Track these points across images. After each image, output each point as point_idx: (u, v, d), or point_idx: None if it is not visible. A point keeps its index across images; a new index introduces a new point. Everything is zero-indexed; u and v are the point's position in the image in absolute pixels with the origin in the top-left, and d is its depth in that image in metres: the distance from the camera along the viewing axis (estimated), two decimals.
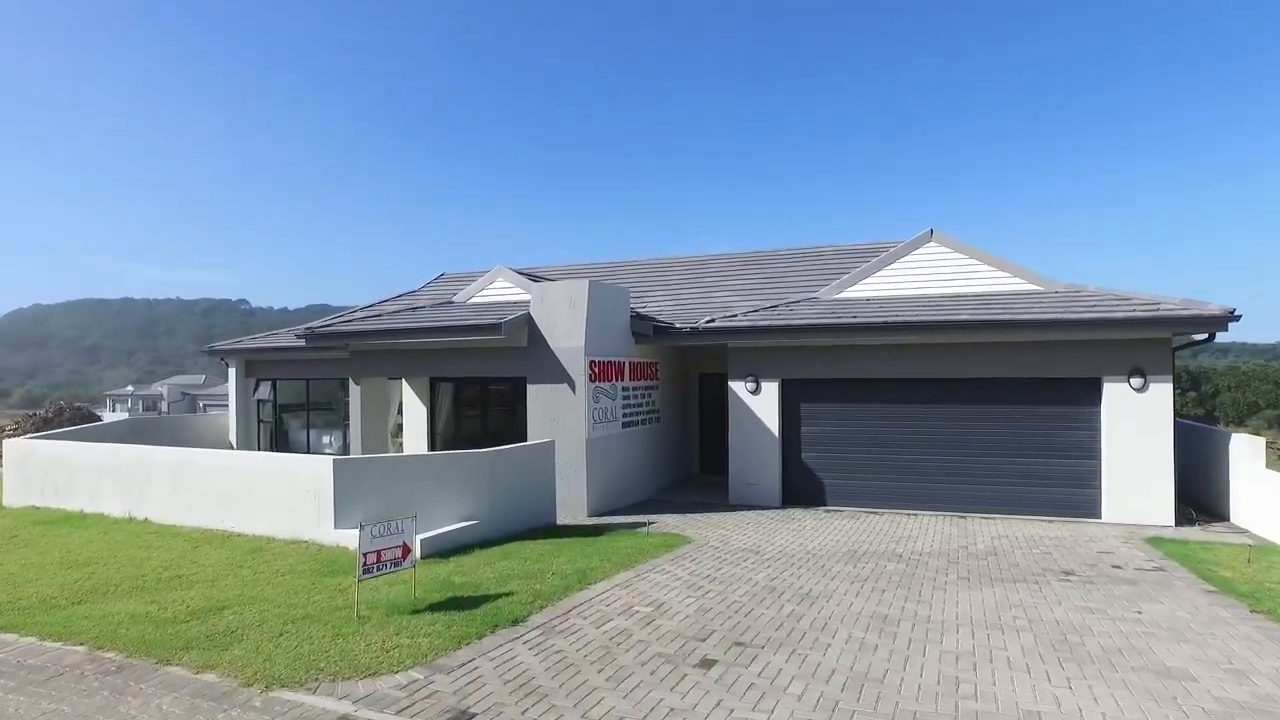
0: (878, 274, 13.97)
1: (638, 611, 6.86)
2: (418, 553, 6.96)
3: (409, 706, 4.93)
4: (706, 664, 5.69)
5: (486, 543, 9.74)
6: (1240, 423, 58.21)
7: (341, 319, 16.95)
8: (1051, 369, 11.83)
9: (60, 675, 5.50)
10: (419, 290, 21.38)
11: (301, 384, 19.46)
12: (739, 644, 6.07)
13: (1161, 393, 11.24)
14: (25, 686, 5.33)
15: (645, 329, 13.95)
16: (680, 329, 13.79)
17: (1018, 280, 13.11)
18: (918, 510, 12.53)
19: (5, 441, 14.06)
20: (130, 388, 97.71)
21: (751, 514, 12.44)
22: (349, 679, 5.33)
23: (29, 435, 15.62)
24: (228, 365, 20.49)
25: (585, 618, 6.65)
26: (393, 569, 6.79)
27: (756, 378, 13.45)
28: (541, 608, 6.88)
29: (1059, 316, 11.29)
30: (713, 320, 13.56)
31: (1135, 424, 11.30)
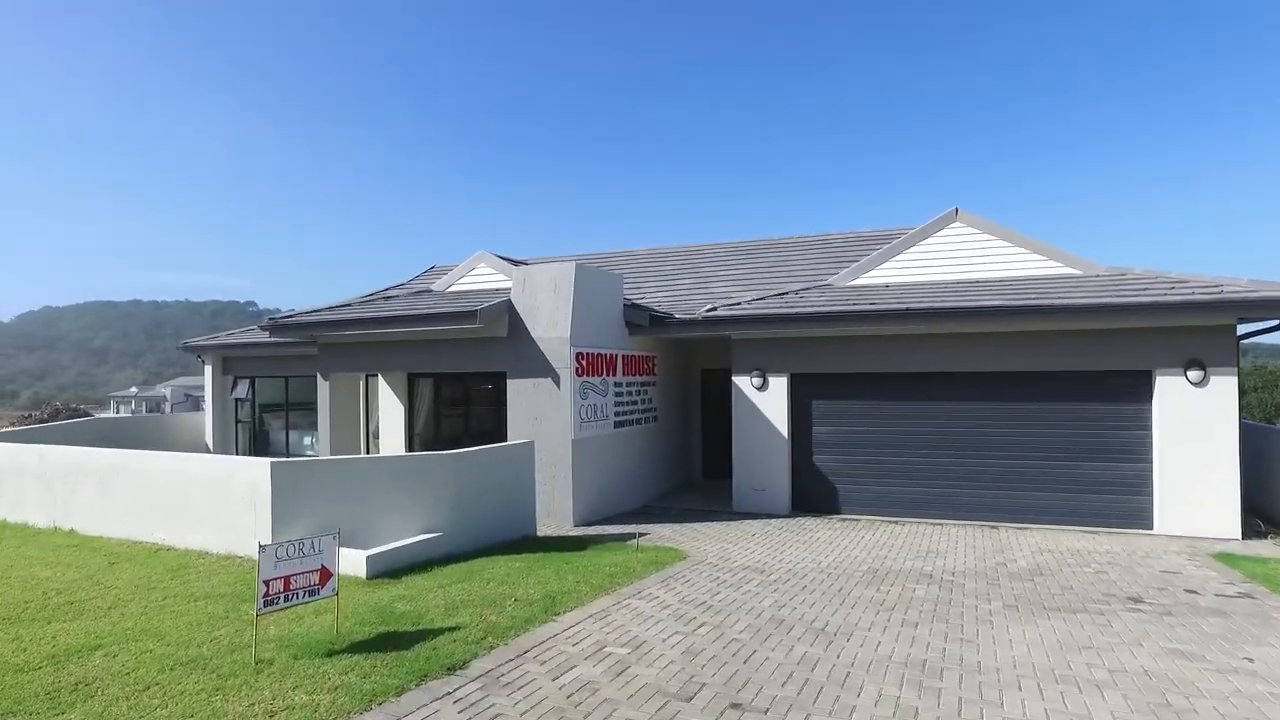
0: (897, 258, 12.59)
1: (610, 654, 5.50)
2: (337, 579, 5.64)
3: None
4: None
5: (451, 558, 8.47)
6: (1269, 424, 56.30)
7: (312, 310, 15.73)
8: (1095, 361, 10.50)
9: None
10: (407, 283, 20.17)
11: (281, 382, 18.37)
12: (735, 705, 4.67)
13: (1224, 386, 9.88)
14: None
15: (641, 319, 12.63)
16: (679, 319, 12.48)
17: (1054, 263, 11.72)
18: (943, 519, 11.16)
19: None
20: (135, 389, 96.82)
21: (757, 523, 11.10)
22: None
23: None
24: (204, 362, 19.48)
25: (543, 663, 5.29)
26: (307, 599, 5.47)
27: (763, 372, 12.11)
28: (491, 648, 5.53)
29: (1106, 301, 9.90)
30: (715, 309, 12.21)
31: (1193, 422, 9.96)
